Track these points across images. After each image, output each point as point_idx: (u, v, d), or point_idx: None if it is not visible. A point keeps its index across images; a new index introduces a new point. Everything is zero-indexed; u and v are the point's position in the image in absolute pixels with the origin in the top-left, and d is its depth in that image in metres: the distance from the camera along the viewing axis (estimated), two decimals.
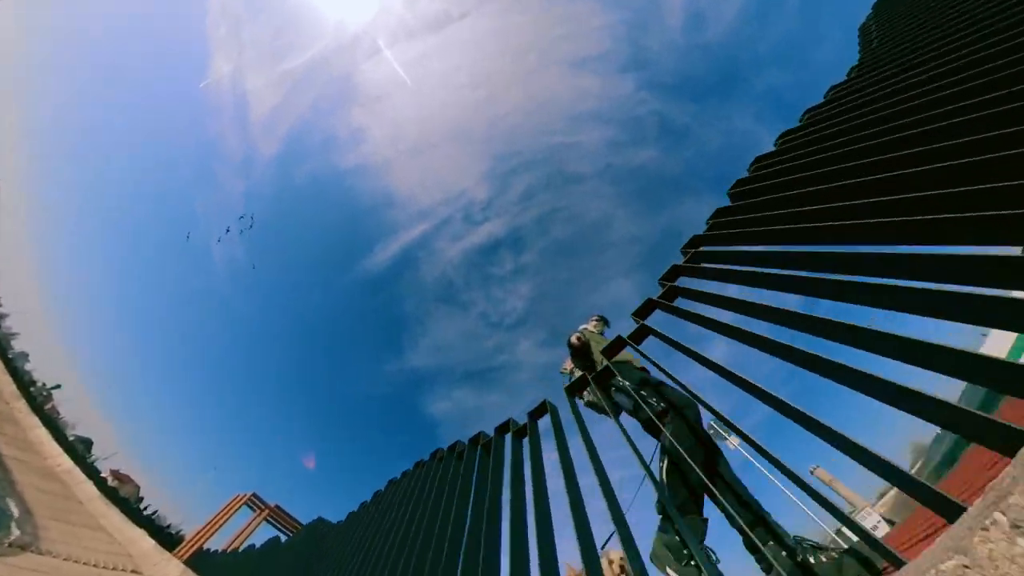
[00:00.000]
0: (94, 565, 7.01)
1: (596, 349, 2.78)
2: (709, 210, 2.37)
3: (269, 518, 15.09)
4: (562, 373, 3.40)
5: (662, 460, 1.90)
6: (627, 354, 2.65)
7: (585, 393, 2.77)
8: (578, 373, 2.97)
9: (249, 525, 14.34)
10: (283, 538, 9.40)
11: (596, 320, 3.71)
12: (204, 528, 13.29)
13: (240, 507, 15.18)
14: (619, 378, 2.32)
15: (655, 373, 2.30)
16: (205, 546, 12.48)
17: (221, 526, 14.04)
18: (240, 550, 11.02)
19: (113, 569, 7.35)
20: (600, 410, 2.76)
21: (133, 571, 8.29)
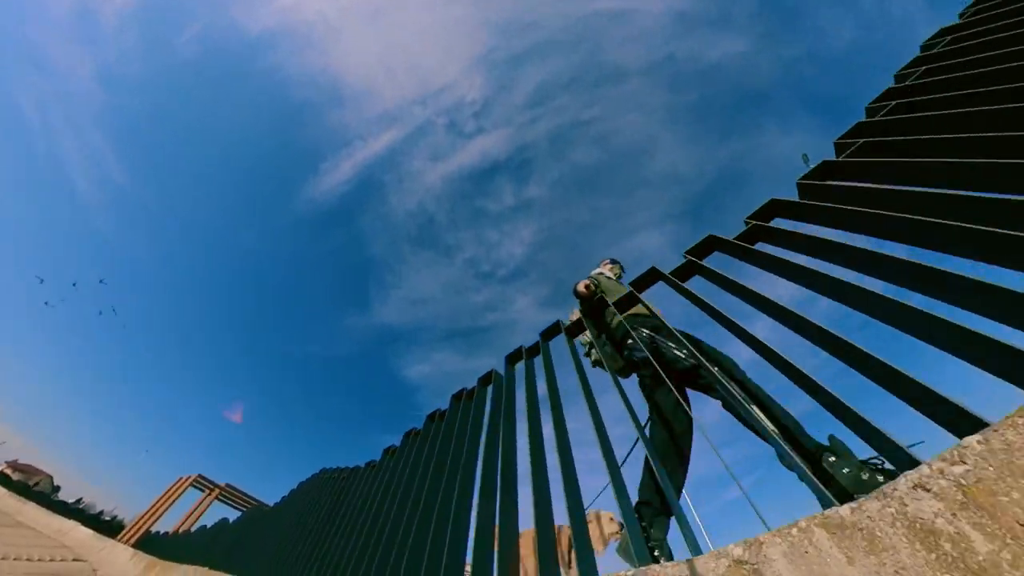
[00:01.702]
0: (39, 560, 6.47)
1: (612, 296, 2.44)
2: (803, 148, 1.85)
3: (221, 497, 14.59)
4: (568, 323, 2.85)
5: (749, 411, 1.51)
6: (642, 308, 2.28)
7: (592, 351, 2.58)
8: (586, 334, 2.70)
9: (199, 505, 13.77)
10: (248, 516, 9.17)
11: (609, 264, 3.21)
12: (148, 512, 12.59)
13: (186, 489, 14.49)
14: (636, 334, 2.05)
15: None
16: (153, 529, 11.88)
17: (167, 509, 13.39)
18: (192, 530, 10.62)
19: (51, 561, 6.82)
20: (608, 370, 2.73)
21: (76, 559, 7.75)
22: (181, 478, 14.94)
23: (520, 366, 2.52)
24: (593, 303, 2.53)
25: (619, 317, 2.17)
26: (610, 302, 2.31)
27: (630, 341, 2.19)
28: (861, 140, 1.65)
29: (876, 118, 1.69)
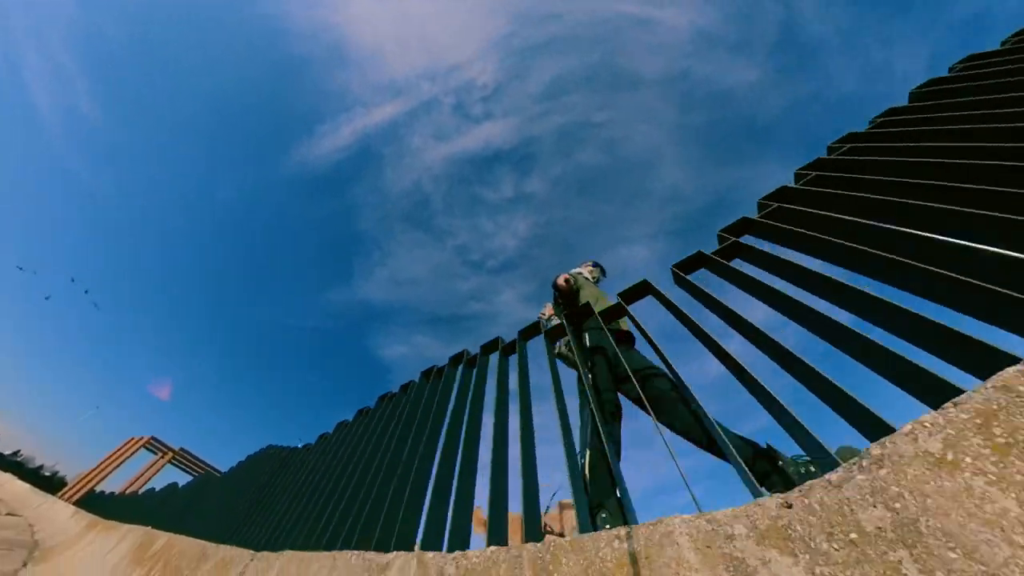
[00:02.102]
0: None
1: (585, 298, 2.53)
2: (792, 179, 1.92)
3: (175, 461, 14.17)
4: (540, 318, 3.00)
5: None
6: (621, 323, 2.45)
7: (559, 344, 2.64)
8: (556, 321, 2.73)
9: (151, 468, 13.37)
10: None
11: (591, 266, 3.27)
12: (94, 470, 12.12)
13: (138, 450, 14.02)
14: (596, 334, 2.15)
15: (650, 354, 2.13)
16: (98, 489, 11.45)
17: (114, 469, 12.94)
18: (140, 493, 10.29)
19: None
20: (571, 363, 2.89)
21: (10, 514, 7.40)
22: (133, 438, 14.44)
23: (493, 357, 2.61)
24: (569, 298, 2.60)
25: (600, 320, 2.19)
26: (580, 301, 2.40)
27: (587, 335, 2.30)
28: (813, 173, 1.89)
29: (832, 156, 1.94)
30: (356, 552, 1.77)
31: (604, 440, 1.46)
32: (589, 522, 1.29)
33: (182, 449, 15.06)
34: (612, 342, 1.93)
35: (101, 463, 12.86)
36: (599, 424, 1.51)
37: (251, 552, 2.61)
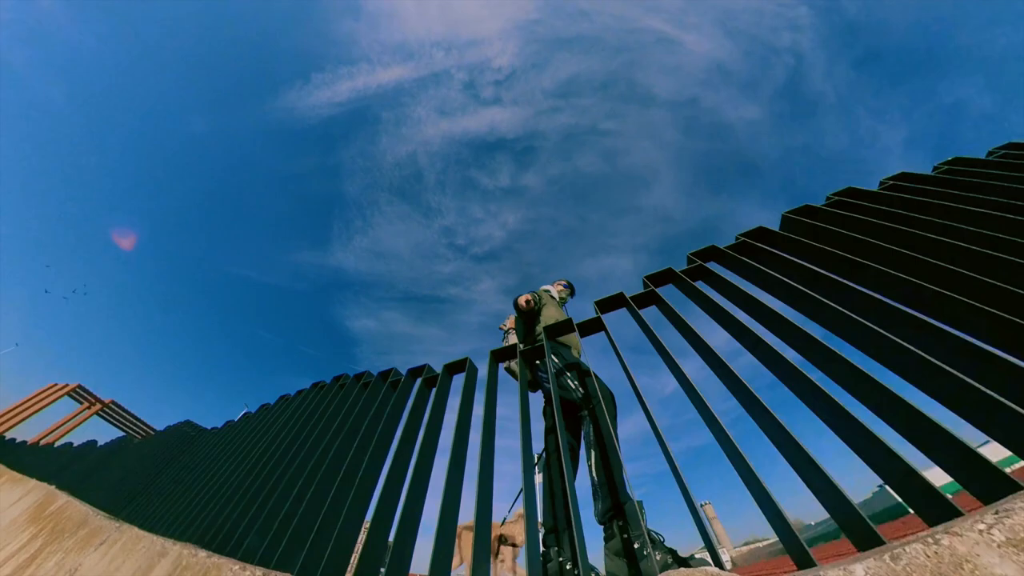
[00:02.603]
0: None
1: (545, 318, 2.62)
2: (772, 225, 1.96)
3: (103, 414, 13.24)
4: (500, 329, 3.10)
5: (588, 454, 1.73)
6: (573, 338, 2.48)
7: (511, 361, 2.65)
8: (513, 338, 2.86)
9: (73, 418, 12.42)
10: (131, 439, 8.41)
11: (562, 286, 3.37)
12: (5, 414, 11.12)
13: (60, 397, 13.00)
14: (554, 358, 2.16)
15: (596, 367, 2.13)
16: (8, 435, 10.52)
17: (30, 415, 11.93)
18: (56, 445, 9.56)
19: None
20: (518, 379, 2.87)
21: None
22: (55, 384, 13.38)
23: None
24: (528, 318, 2.67)
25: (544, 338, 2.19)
26: (541, 320, 2.51)
27: (539, 362, 2.28)
28: (798, 218, 1.95)
29: (824, 207, 1.98)
30: (190, 546, 1.77)
31: (564, 465, 1.42)
32: (538, 550, 1.24)
33: (112, 401, 14.12)
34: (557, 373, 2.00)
35: (15, 407, 11.86)
36: (562, 444, 1.43)
37: (117, 524, 2.69)
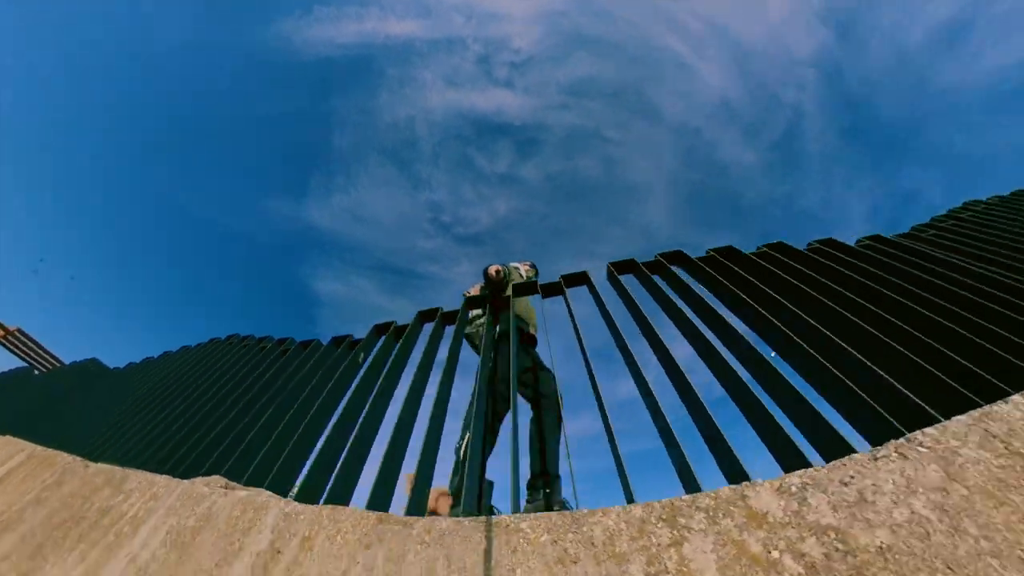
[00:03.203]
0: None
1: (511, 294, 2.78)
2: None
3: (7, 342, 11.85)
4: (463, 295, 3.17)
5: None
6: (532, 313, 2.84)
7: (473, 327, 2.91)
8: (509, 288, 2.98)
9: None
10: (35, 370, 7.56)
11: (528, 266, 3.57)
12: None
13: None
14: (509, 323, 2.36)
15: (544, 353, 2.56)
16: None
17: None
18: None
19: None
20: (474, 346, 2.97)
21: None
22: None
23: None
24: (496, 288, 2.77)
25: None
26: (506, 294, 2.64)
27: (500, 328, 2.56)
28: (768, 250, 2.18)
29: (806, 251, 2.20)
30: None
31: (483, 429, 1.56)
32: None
33: (19, 329, 12.71)
34: (517, 340, 2.15)
35: None
36: (485, 413, 1.62)
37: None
